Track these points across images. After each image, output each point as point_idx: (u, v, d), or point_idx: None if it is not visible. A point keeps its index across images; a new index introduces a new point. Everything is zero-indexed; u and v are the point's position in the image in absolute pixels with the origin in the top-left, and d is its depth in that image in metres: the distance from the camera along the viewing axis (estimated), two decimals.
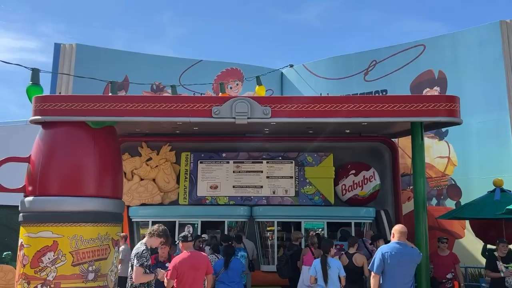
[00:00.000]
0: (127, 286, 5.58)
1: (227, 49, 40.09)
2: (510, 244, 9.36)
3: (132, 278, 5.36)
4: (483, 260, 10.26)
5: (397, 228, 5.59)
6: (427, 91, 12.68)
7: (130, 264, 5.53)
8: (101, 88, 12.77)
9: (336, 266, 6.35)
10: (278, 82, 15.54)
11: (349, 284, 6.48)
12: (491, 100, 11.57)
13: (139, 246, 5.48)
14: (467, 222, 10.90)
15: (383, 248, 5.51)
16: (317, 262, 6.34)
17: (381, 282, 5.39)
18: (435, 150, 12.44)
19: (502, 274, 7.20)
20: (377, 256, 5.45)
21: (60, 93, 12.99)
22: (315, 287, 6.32)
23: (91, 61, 13.74)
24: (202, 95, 13.54)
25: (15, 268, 7.70)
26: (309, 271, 6.48)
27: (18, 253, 7.40)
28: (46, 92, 10.25)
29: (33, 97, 7.95)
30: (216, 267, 7.44)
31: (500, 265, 7.30)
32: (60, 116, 7.66)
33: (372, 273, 5.47)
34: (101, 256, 7.33)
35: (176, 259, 6.03)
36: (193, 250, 6.14)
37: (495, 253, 7.57)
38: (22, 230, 7.41)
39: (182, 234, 6.27)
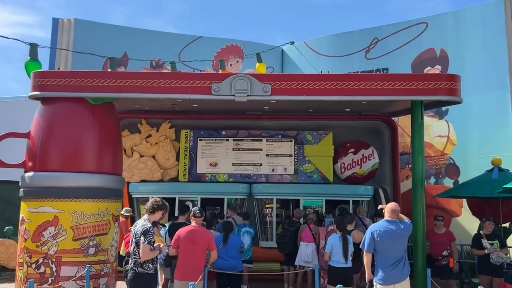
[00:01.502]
0: (129, 262, 5.57)
1: (228, 25, 39.62)
2: (506, 223, 9.50)
3: (136, 255, 5.40)
4: None
5: (389, 206, 5.65)
6: (428, 70, 12.59)
7: (133, 241, 5.47)
8: (100, 64, 12.67)
9: (351, 243, 6.47)
10: (278, 59, 15.41)
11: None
12: (492, 79, 11.50)
13: (145, 223, 5.42)
14: (464, 201, 10.98)
15: (372, 227, 5.60)
16: (334, 239, 6.40)
17: (373, 258, 5.49)
18: (435, 129, 12.44)
19: (486, 251, 7.33)
20: (367, 235, 5.55)
21: (59, 68, 12.90)
22: (332, 263, 6.37)
23: (89, 37, 13.59)
24: (202, 72, 13.44)
25: (17, 242, 7.81)
26: (325, 249, 6.53)
27: (19, 227, 7.50)
28: (45, 67, 10.20)
29: (32, 73, 7.90)
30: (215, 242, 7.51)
31: (485, 242, 7.43)
32: (59, 92, 7.63)
33: (364, 252, 5.58)
34: (102, 231, 7.43)
35: (180, 231, 6.16)
36: (199, 225, 6.22)
37: (481, 231, 7.69)
38: (23, 205, 7.49)
39: (193, 209, 6.30)
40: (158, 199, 5.74)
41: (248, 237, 8.51)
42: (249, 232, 8.63)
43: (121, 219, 9.00)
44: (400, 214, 5.64)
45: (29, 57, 8.67)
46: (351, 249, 6.42)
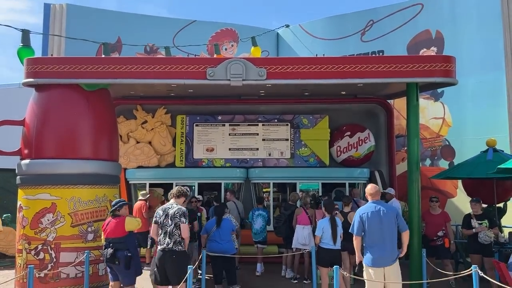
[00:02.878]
0: (164, 243, 5.84)
1: (222, 9, 39.17)
2: (500, 203, 9.60)
3: (176, 235, 5.82)
4: None
5: (368, 189, 5.65)
6: (424, 52, 12.55)
7: (169, 223, 5.82)
8: (94, 50, 12.54)
9: (340, 225, 6.55)
10: (274, 43, 15.31)
11: (344, 241, 6.68)
12: (487, 60, 11.49)
13: (180, 207, 5.92)
14: (459, 182, 11.08)
15: (360, 210, 5.62)
16: (324, 222, 6.47)
17: (363, 241, 5.55)
18: (430, 111, 12.47)
19: (474, 230, 7.45)
20: (355, 218, 5.57)
21: (52, 55, 12.77)
22: (322, 245, 6.46)
23: (82, 22, 13.43)
24: (197, 57, 13.35)
25: (15, 230, 7.85)
26: (316, 231, 6.63)
27: (17, 214, 7.53)
28: (38, 54, 10.10)
29: (25, 59, 7.84)
30: (208, 226, 7.63)
31: (474, 222, 7.56)
32: (53, 78, 7.58)
33: (354, 235, 5.62)
34: (100, 217, 7.47)
35: None
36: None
37: (470, 212, 7.81)
38: (20, 192, 7.50)
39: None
40: (183, 187, 6.29)
41: (261, 220, 8.87)
42: (262, 215, 8.94)
43: (139, 203, 9.18)
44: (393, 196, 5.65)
45: (22, 44, 8.58)
46: (339, 231, 6.49)
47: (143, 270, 6.62)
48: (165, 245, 5.77)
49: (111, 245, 6.02)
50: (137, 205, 9.40)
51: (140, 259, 6.32)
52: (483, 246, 7.39)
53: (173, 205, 5.93)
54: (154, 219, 6.02)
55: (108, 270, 6.30)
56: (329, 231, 6.40)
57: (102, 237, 6.32)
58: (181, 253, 5.80)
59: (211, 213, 8.52)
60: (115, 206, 6.26)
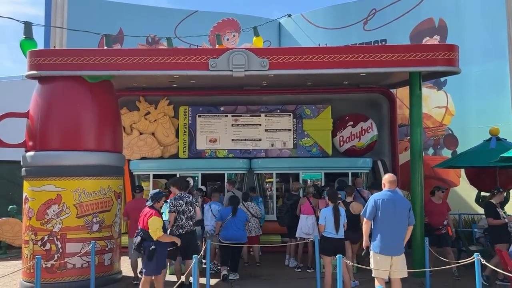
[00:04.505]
0: (185, 224, 6.76)
1: None
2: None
3: (194, 217, 6.89)
4: (476, 207, 10.57)
5: (387, 177, 5.70)
6: (427, 40, 12.48)
7: (187, 209, 6.76)
8: (96, 42, 12.53)
9: (344, 214, 6.60)
10: (276, 33, 15.25)
11: (347, 231, 6.73)
12: (491, 49, 11.43)
13: (189, 195, 6.98)
14: (462, 171, 11.09)
15: (375, 196, 5.66)
16: (327, 211, 6.51)
17: (372, 227, 5.59)
18: (433, 100, 12.43)
19: (506, 220, 7.40)
20: (369, 203, 5.61)
21: (54, 47, 12.77)
22: (325, 234, 6.51)
23: (84, 14, 13.41)
24: (199, 47, 13.32)
25: (21, 221, 7.93)
26: (319, 220, 6.69)
27: (23, 206, 7.60)
28: (40, 46, 10.08)
29: (28, 52, 7.85)
30: (223, 214, 7.87)
31: (501, 212, 7.51)
32: (56, 70, 7.60)
33: (364, 219, 5.66)
34: (105, 208, 7.54)
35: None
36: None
37: (492, 200, 7.73)
38: (25, 184, 7.57)
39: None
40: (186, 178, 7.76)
41: (262, 205, 9.40)
42: (261, 200, 9.58)
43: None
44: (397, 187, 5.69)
45: (24, 36, 8.57)
46: (342, 220, 6.53)
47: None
48: (188, 227, 6.74)
49: (141, 234, 6.10)
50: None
51: (167, 252, 6.29)
52: (510, 235, 7.38)
53: (186, 195, 6.86)
54: (173, 208, 6.71)
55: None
56: (332, 220, 6.45)
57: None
58: (194, 231, 7.06)
59: (221, 201, 8.82)
60: (155, 200, 6.13)
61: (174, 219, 6.67)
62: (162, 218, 6.16)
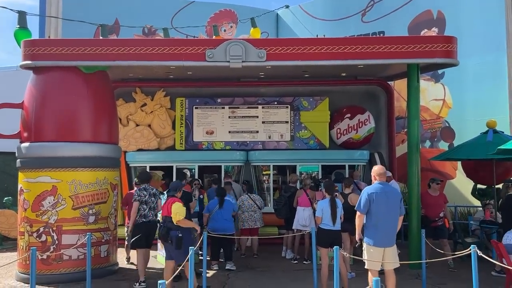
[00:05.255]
0: (152, 214, 7.04)
1: None
2: (499, 184, 9.65)
3: (155, 210, 7.10)
4: (472, 200, 10.61)
5: (377, 170, 5.68)
6: (425, 32, 12.43)
7: (154, 200, 7.09)
8: (91, 32, 12.41)
9: (340, 206, 6.60)
10: (273, 24, 15.16)
11: (345, 223, 6.73)
12: (489, 41, 11.39)
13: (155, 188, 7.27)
14: (459, 163, 11.10)
15: (368, 189, 5.65)
16: (324, 203, 6.50)
17: (366, 220, 5.60)
18: (431, 92, 12.42)
19: None
20: (363, 196, 5.60)
21: (49, 37, 12.63)
22: (322, 225, 6.51)
23: (79, 4, 13.26)
24: (196, 38, 13.21)
25: (17, 213, 7.88)
26: (316, 212, 6.69)
27: (18, 197, 7.55)
28: (35, 36, 9.98)
29: (22, 41, 7.75)
30: (210, 206, 7.88)
31: None
32: (51, 60, 7.51)
33: (358, 213, 5.66)
34: (101, 199, 7.50)
35: None
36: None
37: (510, 193, 7.70)
38: (20, 175, 7.51)
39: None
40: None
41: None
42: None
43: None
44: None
45: (18, 26, 8.46)
46: (339, 212, 6.52)
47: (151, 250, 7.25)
48: (151, 217, 6.96)
49: (165, 223, 6.21)
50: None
51: (192, 239, 6.44)
52: None
53: (149, 187, 7.10)
54: (138, 198, 6.89)
55: (163, 248, 6.57)
56: (329, 212, 6.44)
57: (159, 215, 6.66)
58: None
59: (210, 194, 8.63)
60: (175, 190, 6.39)
61: (137, 209, 6.88)
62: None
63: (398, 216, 5.59)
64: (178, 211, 6.06)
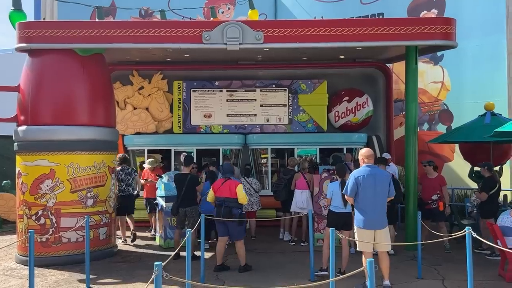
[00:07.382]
0: (130, 189, 8.74)
1: None
2: (496, 166, 9.69)
3: (131, 186, 8.76)
4: (469, 182, 10.64)
5: (364, 152, 5.68)
6: (424, 14, 12.31)
7: (130, 178, 8.72)
8: (87, 14, 12.27)
9: None
10: (271, 6, 14.97)
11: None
12: (489, 23, 11.30)
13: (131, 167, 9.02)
14: (456, 146, 11.12)
15: (355, 173, 5.66)
16: (335, 186, 6.52)
17: (354, 203, 5.64)
18: (429, 75, 12.36)
19: None
20: (350, 180, 5.62)
21: (44, 19, 12.49)
22: (332, 208, 6.53)
23: None
24: (192, 20, 13.06)
25: (15, 196, 7.91)
26: (326, 194, 6.71)
27: (16, 181, 7.57)
28: (30, 18, 9.86)
29: (17, 24, 7.66)
30: (204, 188, 7.84)
31: None
32: (47, 43, 7.44)
33: (346, 196, 5.73)
34: (99, 183, 7.53)
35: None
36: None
37: None
38: (18, 159, 7.52)
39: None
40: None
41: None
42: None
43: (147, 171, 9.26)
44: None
45: (13, 8, 8.35)
46: None
47: (145, 233, 8.96)
48: (127, 191, 8.62)
49: (225, 203, 6.57)
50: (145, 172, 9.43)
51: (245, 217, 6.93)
52: None
53: (126, 167, 8.69)
54: (116, 176, 8.13)
55: (217, 226, 6.85)
56: (340, 194, 6.43)
57: (211, 196, 6.84)
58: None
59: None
60: (232, 173, 7.05)
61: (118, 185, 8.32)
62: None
63: (386, 198, 5.62)
64: (244, 194, 6.65)
